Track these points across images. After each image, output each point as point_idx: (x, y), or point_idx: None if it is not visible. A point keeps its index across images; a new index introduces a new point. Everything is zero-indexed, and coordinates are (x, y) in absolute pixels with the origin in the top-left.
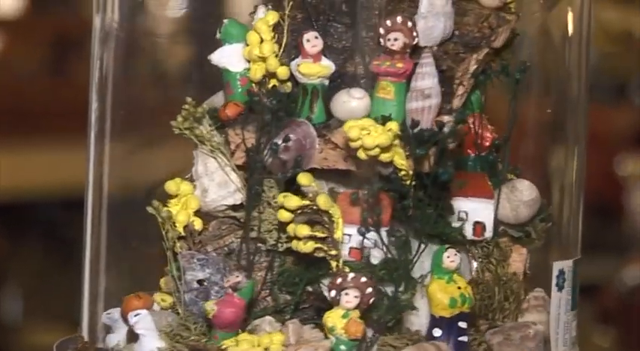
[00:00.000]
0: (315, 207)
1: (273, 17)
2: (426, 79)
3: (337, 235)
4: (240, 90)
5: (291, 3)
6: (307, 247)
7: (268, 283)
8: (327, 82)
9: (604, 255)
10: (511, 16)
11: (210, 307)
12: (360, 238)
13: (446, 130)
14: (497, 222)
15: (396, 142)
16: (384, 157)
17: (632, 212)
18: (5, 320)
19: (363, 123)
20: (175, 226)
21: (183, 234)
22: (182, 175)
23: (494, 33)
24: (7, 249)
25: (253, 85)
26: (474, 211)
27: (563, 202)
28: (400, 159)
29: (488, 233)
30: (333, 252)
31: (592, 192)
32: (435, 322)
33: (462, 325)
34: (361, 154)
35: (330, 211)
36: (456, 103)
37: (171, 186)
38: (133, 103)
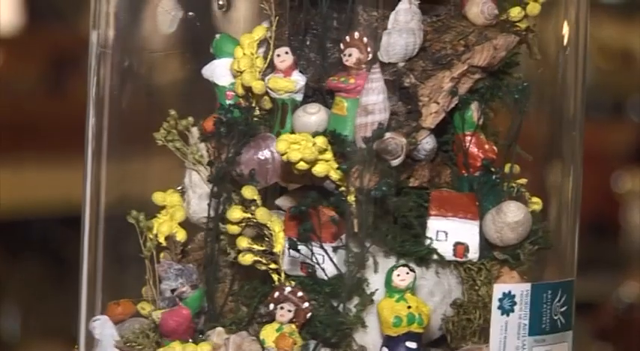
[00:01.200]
0: (255, 220)
1: (259, 32)
2: (370, 94)
3: (277, 248)
4: (226, 104)
5: (277, 18)
6: (245, 259)
7: (232, 296)
8: (298, 97)
9: (601, 272)
10: (509, 35)
11: (156, 315)
12: (309, 253)
13: (392, 147)
14: (484, 243)
15: (328, 156)
16: (316, 171)
17: (629, 229)
18: (3, 337)
19: (295, 137)
20: (155, 237)
21: (164, 244)
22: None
23: (470, 50)
24: (4, 266)
25: (240, 99)
26: (455, 231)
27: (560, 219)
28: (336, 174)
29: (473, 254)
30: (272, 265)
31: (589, 209)
32: (385, 340)
33: (411, 345)
34: (293, 168)
35: (269, 225)
36: (429, 120)
37: (158, 197)
38: (130, 118)
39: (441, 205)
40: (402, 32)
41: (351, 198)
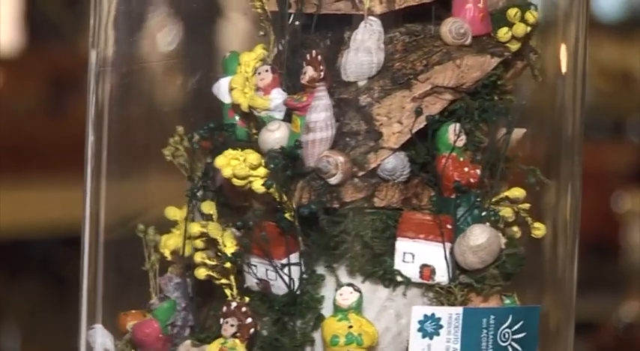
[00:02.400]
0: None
1: (258, 51)
2: (313, 112)
3: (227, 263)
4: (229, 121)
5: (273, 38)
6: (199, 273)
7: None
8: (276, 115)
9: (601, 291)
10: (483, 55)
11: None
12: (264, 269)
13: (323, 165)
14: (454, 267)
15: (261, 172)
16: (254, 187)
17: (629, 249)
18: None
19: (235, 153)
20: (160, 250)
21: (170, 258)
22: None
23: (428, 70)
24: (4, 285)
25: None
26: (421, 253)
27: (557, 241)
28: (275, 191)
29: (440, 277)
30: (223, 280)
31: (589, 229)
32: None
33: None
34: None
35: (219, 239)
36: (393, 140)
37: (170, 212)
38: (130, 136)
39: (408, 226)
40: (358, 51)
41: (289, 215)
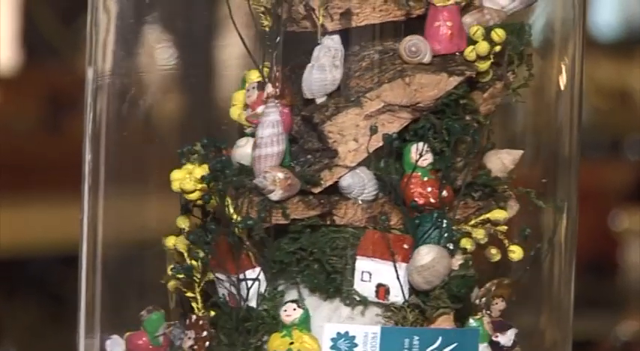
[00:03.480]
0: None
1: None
2: (260, 128)
3: (194, 275)
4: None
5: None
6: (171, 285)
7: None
8: None
9: (599, 310)
10: (439, 74)
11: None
12: (228, 283)
13: (259, 181)
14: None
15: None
16: (209, 204)
17: (626, 268)
18: None
19: (189, 168)
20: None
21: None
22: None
23: (377, 87)
24: (2, 304)
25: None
26: (378, 272)
27: (553, 260)
28: (216, 205)
29: (394, 297)
30: (189, 294)
31: (587, 247)
32: None
33: None
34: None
35: (184, 253)
36: (350, 158)
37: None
38: (127, 154)
39: (367, 245)
40: (313, 68)
41: (237, 230)
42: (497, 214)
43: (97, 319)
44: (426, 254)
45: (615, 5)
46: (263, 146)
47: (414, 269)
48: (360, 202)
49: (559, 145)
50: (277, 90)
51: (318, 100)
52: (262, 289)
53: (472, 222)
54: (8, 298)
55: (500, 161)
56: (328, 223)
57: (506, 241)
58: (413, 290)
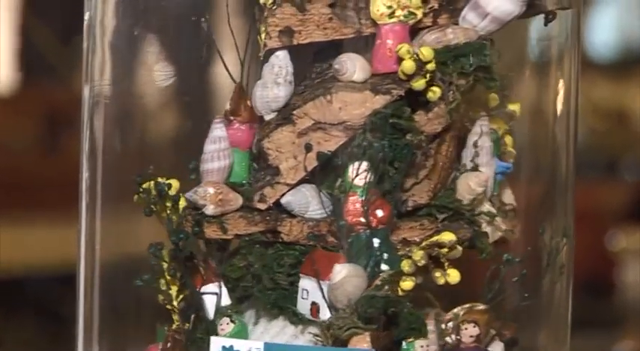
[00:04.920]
0: None
1: None
2: (204, 144)
3: (172, 290)
4: None
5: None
6: (159, 299)
7: None
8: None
9: (597, 330)
10: (362, 92)
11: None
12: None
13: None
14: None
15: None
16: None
17: (623, 287)
18: None
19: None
20: None
21: None
22: None
23: (301, 106)
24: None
25: None
26: (312, 290)
27: (552, 280)
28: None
29: (323, 315)
30: (168, 306)
31: (584, 267)
32: None
33: None
34: None
35: (165, 268)
36: (291, 176)
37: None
38: (124, 172)
39: (307, 263)
40: (258, 85)
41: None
42: (445, 237)
43: (95, 338)
44: (338, 273)
45: (612, 26)
46: (205, 162)
47: (328, 287)
48: (304, 219)
49: (555, 166)
50: (231, 106)
51: (266, 117)
52: (224, 304)
53: (424, 244)
54: (6, 317)
55: (467, 183)
56: (280, 240)
57: (446, 264)
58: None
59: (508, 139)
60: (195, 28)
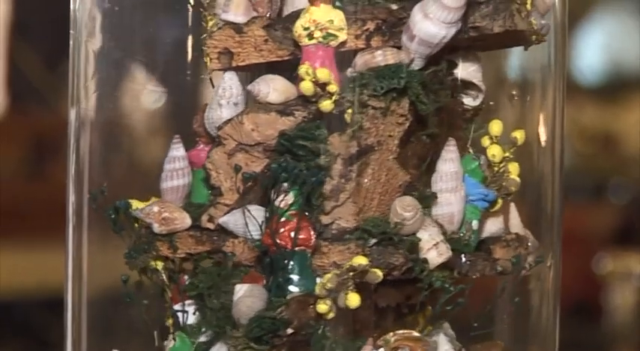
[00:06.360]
0: None
1: None
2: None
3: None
4: None
5: None
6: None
7: None
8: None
9: None
10: (269, 113)
11: None
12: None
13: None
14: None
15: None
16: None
17: (611, 311)
18: None
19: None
20: None
21: None
22: None
23: (223, 127)
24: None
25: None
26: None
27: (541, 306)
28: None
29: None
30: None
31: (571, 291)
32: None
33: None
34: None
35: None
36: (229, 197)
37: None
38: (110, 194)
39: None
40: (210, 105)
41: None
42: (356, 261)
43: None
44: (236, 292)
45: (599, 49)
46: (162, 181)
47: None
48: (247, 239)
49: (541, 194)
50: (194, 125)
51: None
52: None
53: (346, 267)
54: None
55: (395, 207)
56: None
57: (350, 288)
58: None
59: (512, 167)
60: (181, 49)
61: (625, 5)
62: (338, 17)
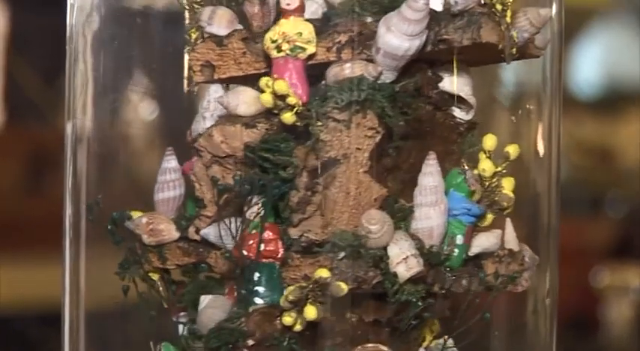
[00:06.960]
0: None
1: None
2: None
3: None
4: None
5: None
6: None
7: None
8: None
9: None
10: (235, 125)
11: None
12: None
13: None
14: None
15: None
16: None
17: (608, 324)
18: None
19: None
20: None
21: None
22: None
23: (198, 139)
24: None
25: None
26: None
27: (538, 320)
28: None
29: None
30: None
31: (568, 305)
32: None
33: None
34: None
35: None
36: (211, 208)
37: None
38: (107, 208)
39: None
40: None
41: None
42: (318, 273)
43: None
44: (201, 303)
45: (596, 63)
46: (154, 193)
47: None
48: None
49: (538, 206)
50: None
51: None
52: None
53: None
54: None
55: (361, 221)
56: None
57: (311, 300)
58: None
59: (507, 182)
60: (175, 62)
61: (622, 19)
62: (307, 30)
